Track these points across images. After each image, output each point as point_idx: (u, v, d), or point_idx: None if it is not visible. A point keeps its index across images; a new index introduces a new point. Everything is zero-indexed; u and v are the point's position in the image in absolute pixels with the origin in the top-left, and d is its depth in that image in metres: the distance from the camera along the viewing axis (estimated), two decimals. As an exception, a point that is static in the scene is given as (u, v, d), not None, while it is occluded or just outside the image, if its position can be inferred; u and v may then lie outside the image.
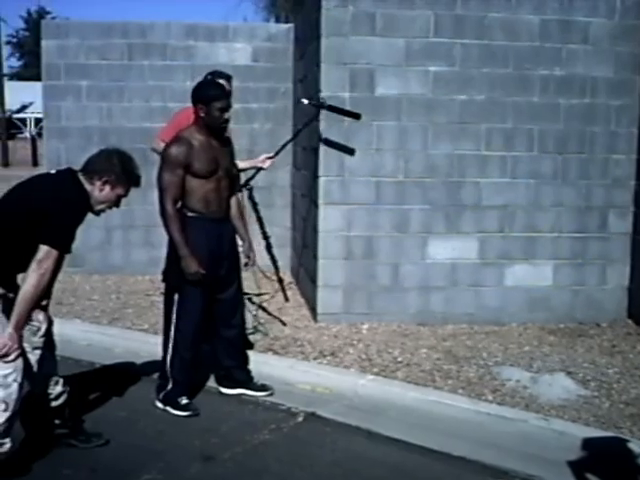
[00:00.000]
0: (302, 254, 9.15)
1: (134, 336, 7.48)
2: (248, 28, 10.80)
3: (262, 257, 7.45)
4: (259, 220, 7.43)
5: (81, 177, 4.72)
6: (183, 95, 9.51)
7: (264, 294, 8.22)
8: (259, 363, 6.58)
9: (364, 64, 7.62)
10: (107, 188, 4.73)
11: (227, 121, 5.79)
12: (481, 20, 7.73)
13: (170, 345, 5.80)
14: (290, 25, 10.50)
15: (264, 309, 8.05)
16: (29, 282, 4.44)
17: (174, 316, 5.77)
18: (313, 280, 8.08)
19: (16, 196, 4.67)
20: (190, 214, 5.75)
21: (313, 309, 8.07)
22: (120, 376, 6.33)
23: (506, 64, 7.78)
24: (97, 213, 4.86)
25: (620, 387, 6.20)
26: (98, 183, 4.70)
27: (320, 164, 7.74)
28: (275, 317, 7.98)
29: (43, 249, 4.45)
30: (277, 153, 7.41)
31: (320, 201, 7.76)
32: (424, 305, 7.90)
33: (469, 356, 6.91)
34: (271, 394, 6.04)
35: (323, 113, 7.51)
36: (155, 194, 8.61)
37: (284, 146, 7.55)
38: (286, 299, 8.10)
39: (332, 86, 7.61)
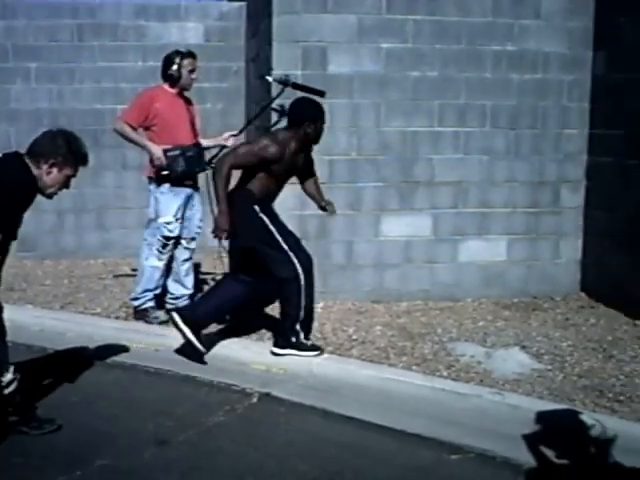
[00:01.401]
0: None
1: (87, 320, 7.37)
2: (200, 7, 10.66)
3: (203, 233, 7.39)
4: None
5: (27, 160, 4.66)
6: (135, 76, 9.54)
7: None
8: (213, 344, 6.55)
9: (316, 42, 7.57)
10: (55, 170, 4.68)
11: None
12: (433, -4, 7.70)
13: (299, 291, 6.21)
14: (242, 3, 10.38)
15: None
16: None
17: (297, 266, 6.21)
18: (268, 260, 8.01)
19: None
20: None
21: (268, 289, 8.01)
22: (73, 361, 6.24)
23: (459, 40, 7.76)
24: (49, 196, 4.80)
25: (573, 360, 6.24)
26: (45, 166, 4.66)
27: (273, 143, 7.66)
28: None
29: None
30: (241, 131, 7.35)
31: (273, 180, 7.69)
32: (378, 283, 7.90)
33: (424, 332, 6.91)
34: (320, 353, 6.29)
35: (275, 91, 7.44)
36: (106, 177, 8.51)
37: (248, 124, 7.45)
38: None
39: (284, 64, 7.53)
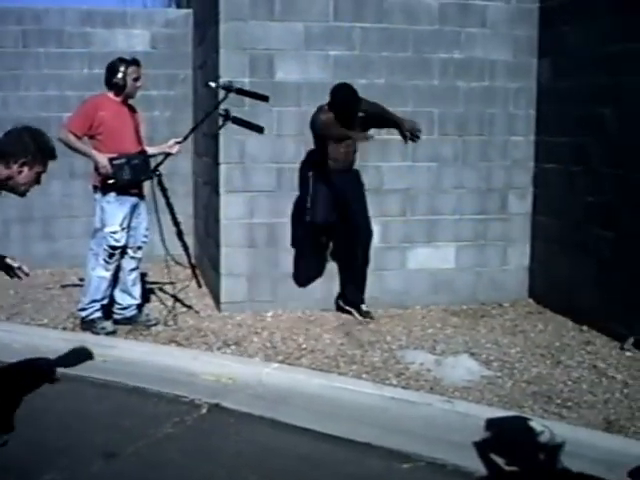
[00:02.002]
0: (205, 243, 9.05)
1: (33, 331, 7.25)
2: (146, 13, 10.62)
3: (174, 244, 7.38)
4: (169, 207, 7.29)
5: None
6: (81, 83, 9.43)
7: (172, 283, 8.15)
8: (161, 355, 6.51)
9: (263, 49, 7.54)
10: (26, 169, 4.70)
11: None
12: (380, 3, 7.71)
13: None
14: (189, 10, 10.35)
15: (178, 300, 7.94)
16: None
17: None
18: (216, 269, 7.98)
19: None
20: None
21: (216, 298, 7.97)
22: (19, 373, 6.12)
23: (406, 48, 7.79)
24: (22, 194, 4.81)
25: (522, 366, 6.26)
26: (15, 166, 4.67)
27: (220, 151, 7.64)
28: (189, 307, 7.91)
29: None
30: (185, 138, 7.34)
31: (221, 189, 7.66)
32: (328, 291, 7.87)
33: (373, 340, 6.90)
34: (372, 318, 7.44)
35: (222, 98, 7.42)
36: (53, 185, 8.40)
37: (192, 131, 7.43)
38: (199, 285, 7.98)
39: (231, 71, 7.49)
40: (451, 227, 8.04)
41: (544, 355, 6.54)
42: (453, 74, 7.92)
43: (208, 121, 8.05)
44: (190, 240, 9.98)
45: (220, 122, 7.29)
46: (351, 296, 7.67)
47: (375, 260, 7.80)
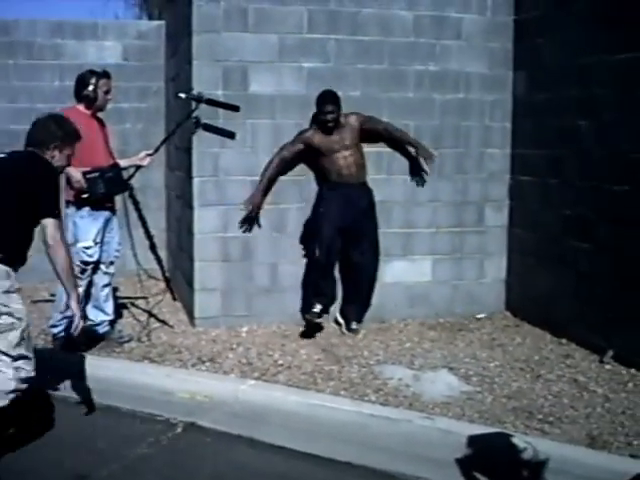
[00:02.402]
0: (178, 257, 8.94)
1: None
2: (118, 25, 10.48)
3: (146, 258, 7.30)
4: (142, 220, 7.18)
5: (35, 151, 5.15)
6: (52, 96, 9.28)
7: (144, 297, 8.04)
8: (135, 372, 6.39)
9: (237, 61, 7.45)
10: (57, 153, 5.21)
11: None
12: (355, 16, 7.66)
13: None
14: (161, 22, 10.24)
15: (152, 315, 7.80)
16: (62, 256, 5.00)
17: None
18: (190, 283, 7.87)
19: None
20: None
21: (190, 313, 7.85)
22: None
23: (381, 60, 7.73)
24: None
25: (502, 381, 6.20)
26: (49, 152, 5.17)
27: (194, 164, 7.54)
28: (163, 322, 7.78)
29: (50, 222, 4.91)
30: (156, 150, 7.23)
31: (195, 202, 7.56)
32: (305, 305, 7.76)
33: (350, 355, 6.81)
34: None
35: (197, 112, 7.33)
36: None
37: (163, 142, 7.33)
38: (174, 298, 7.86)
39: (205, 84, 7.40)
40: (427, 240, 7.99)
41: (523, 369, 6.48)
42: (428, 86, 7.87)
43: (180, 135, 7.98)
44: (163, 254, 9.88)
45: (194, 106, 7.23)
46: (347, 310, 7.69)
47: (351, 274, 7.73)
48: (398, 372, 6.35)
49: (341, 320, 7.66)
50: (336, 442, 5.18)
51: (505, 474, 4.66)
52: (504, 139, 8.10)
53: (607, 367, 6.51)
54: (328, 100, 7.27)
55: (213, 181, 7.56)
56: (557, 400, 5.78)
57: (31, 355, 4.91)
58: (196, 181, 7.55)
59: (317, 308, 7.31)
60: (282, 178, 7.63)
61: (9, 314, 4.81)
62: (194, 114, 7.18)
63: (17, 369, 4.81)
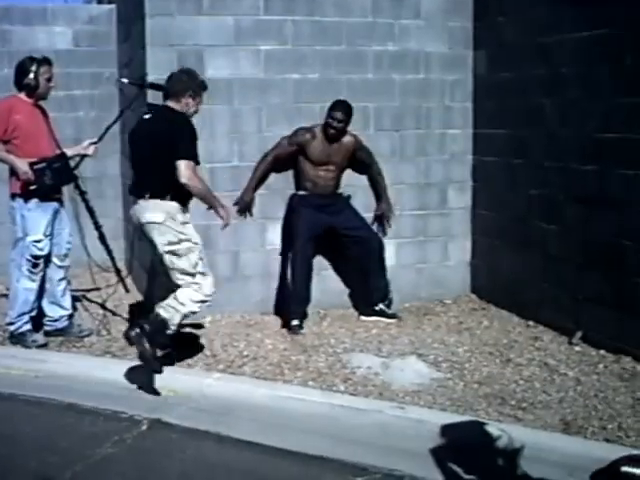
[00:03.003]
0: (136, 247, 8.72)
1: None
2: (68, 10, 10.18)
3: (96, 249, 7.09)
4: (89, 210, 6.99)
5: (169, 102, 6.07)
6: (1, 83, 8.99)
7: (98, 289, 7.86)
8: (97, 368, 6.22)
9: (192, 45, 7.27)
10: (190, 100, 6.08)
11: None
12: (312, -4, 7.51)
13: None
14: (112, 6, 9.97)
15: (104, 307, 7.60)
16: (199, 188, 5.99)
17: None
18: (149, 273, 7.69)
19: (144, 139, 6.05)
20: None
21: (151, 304, 7.67)
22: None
23: (339, 41, 7.60)
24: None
25: (472, 366, 6.12)
26: (184, 100, 6.05)
27: (150, 152, 7.34)
28: (115, 314, 7.59)
29: (182, 163, 5.79)
30: (100, 138, 7.01)
31: (152, 191, 7.36)
32: (267, 293, 7.64)
33: (317, 344, 6.70)
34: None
35: (151, 96, 7.14)
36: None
37: (107, 130, 7.07)
38: (126, 290, 7.67)
39: (159, 69, 7.16)
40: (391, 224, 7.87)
41: (493, 353, 6.42)
42: (388, 67, 7.75)
43: (135, 119, 7.76)
44: (121, 243, 9.70)
45: (137, 91, 7.07)
46: (376, 295, 7.56)
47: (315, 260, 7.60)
48: (366, 360, 6.25)
49: (379, 307, 7.52)
50: (306, 435, 5.06)
51: (481, 464, 4.56)
52: (465, 119, 8.00)
53: (577, 349, 6.46)
54: (341, 108, 7.20)
55: (170, 168, 7.36)
56: (529, 385, 5.71)
57: (209, 272, 6.01)
58: (152, 169, 7.35)
59: (296, 322, 7.13)
60: (240, 164, 7.47)
61: (188, 240, 5.93)
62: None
63: (199, 284, 5.86)
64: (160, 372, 5.77)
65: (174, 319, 5.80)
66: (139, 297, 8.27)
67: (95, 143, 6.98)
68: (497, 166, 7.69)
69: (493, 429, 4.81)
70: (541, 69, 7.00)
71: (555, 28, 6.79)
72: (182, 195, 5.94)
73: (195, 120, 7.19)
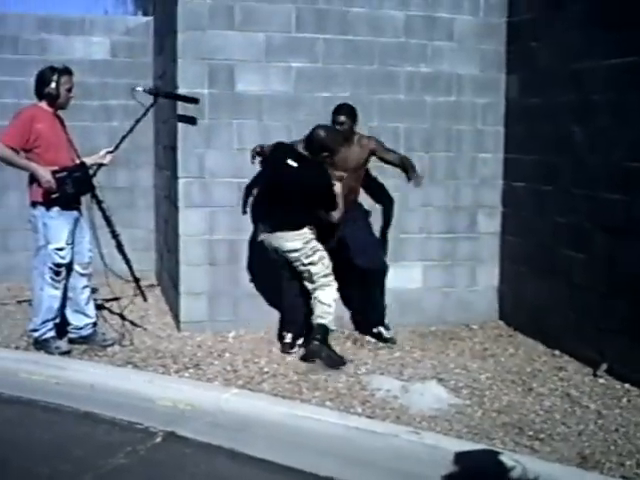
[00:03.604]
0: (165, 259, 8.77)
1: (-18, 351, 6.94)
2: (105, 21, 10.31)
3: (114, 258, 7.14)
4: (106, 219, 7.02)
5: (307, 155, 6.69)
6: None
7: (118, 298, 7.88)
8: (116, 378, 6.23)
9: (223, 59, 7.29)
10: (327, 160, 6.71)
11: None
12: (344, 15, 7.50)
13: None
14: (149, 18, 10.06)
15: (123, 317, 7.62)
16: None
17: None
18: (175, 286, 7.72)
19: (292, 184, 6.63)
20: None
21: (176, 317, 7.70)
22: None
23: (371, 60, 7.58)
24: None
25: (492, 394, 6.04)
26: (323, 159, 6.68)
27: (179, 165, 7.37)
28: (137, 325, 7.61)
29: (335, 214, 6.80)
30: (116, 147, 7.09)
31: (180, 204, 7.40)
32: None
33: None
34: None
35: (181, 108, 7.20)
36: (10, 197, 8.07)
37: (122, 139, 7.11)
38: (144, 299, 7.68)
39: (190, 82, 7.25)
40: (418, 246, 7.83)
41: (515, 382, 6.33)
42: (419, 88, 7.72)
43: (167, 132, 7.81)
44: (152, 255, 9.77)
45: (152, 100, 7.18)
46: (373, 318, 7.52)
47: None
48: (386, 383, 6.19)
49: (377, 329, 7.45)
50: (319, 455, 5.03)
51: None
52: (497, 143, 7.94)
53: (601, 381, 6.35)
54: (341, 111, 7.09)
55: (199, 182, 7.40)
56: (549, 416, 5.62)
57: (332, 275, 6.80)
58: (181, 182, 7.39)
59: (288, 338, 7.10)
60: (270, 181, 7.46)
61: (318, 249, 6.71)
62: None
63: (331, 284, 6.76)
64: (345, 363, 6.66)
65: (328, 318, 6.74)
66: (164, 307, 8.32)
67: (111, 152, 7.04)
68: (526, 192, 7.61)
69: (507, 459, 4.73)
70: (572, 95, 6.93)
71: (587, 54, 6.72)
72: (317, 221, 6.79)
73: (223, 134, 7.31)
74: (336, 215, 6.79)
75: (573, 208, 6.93)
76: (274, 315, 7.57)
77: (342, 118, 7.04)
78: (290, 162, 6.68)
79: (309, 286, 6.78)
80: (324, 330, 6.71)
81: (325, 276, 6.72)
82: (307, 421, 5.45)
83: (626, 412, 5.71)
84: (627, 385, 6.21)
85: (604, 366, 6.45)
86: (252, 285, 7.60)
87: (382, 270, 7.41)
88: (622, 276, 6.40)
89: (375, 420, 5.47)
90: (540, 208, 7.39)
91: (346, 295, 7.46)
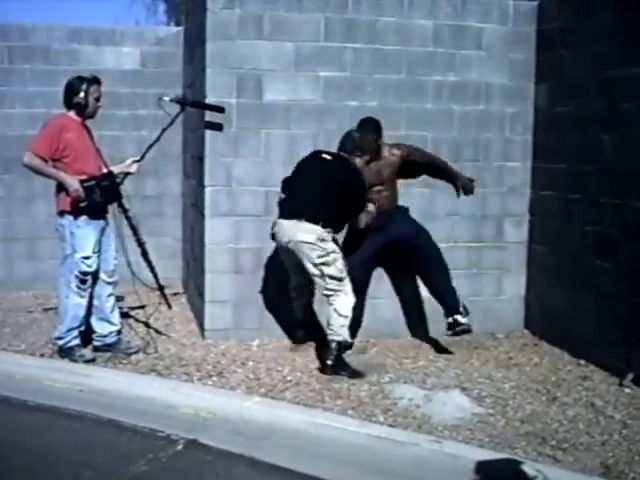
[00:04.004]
0: (191, 267, 8.80)
1: (8, 358, 6.96)
2: (136, 31, 10.37)
3: (140, 267, 7.18)
4: (132, 228, 7.06)
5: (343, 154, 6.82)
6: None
7: (144, 306, 7.87)
8: (140, 385, 6.26)
9: (251, 69, 7.31)
10: (358, 159, 6.85)
11: None
12: (373, 24, 7.50)
13: None
14: (179, 28, 10.13)
15: (148, 325, 7.64)
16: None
17: None
18: (201, 294, 7.73)
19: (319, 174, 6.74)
20: None
21: (201, 325, 7.71)
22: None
23: (399, 69, 7.57)
24: None
25: (515, 403, 6.00)
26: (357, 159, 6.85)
27: (206, 173, 7.40)
28: (161, 333, 7.64)
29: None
30: (143, 156, 7.15)
31: (207, 212, 7.42)
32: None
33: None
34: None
35: (208, 116, 7.22)
36: (38, 205, 8.10)
37: (148, 149, 7.16)
38: (169, 306, 7.71)
39: (218, 91, 7.28)
40: (444, 254, 7.73)
41: (539, 391, 6.28)
42: (447, 97, 7.70)
43: (195, 142, 7.84)
44: (178, 263, 9.80)
45: (179, 109, 7.28)
46: (450, 304, 7.30)
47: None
48: (409, 392, 6.16)
49: (453, 318, 7.22)
50: (340, 464, 5.00)
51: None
52: (525, 152, 7.90)
53: (626, 391, 6.29)
54: (360, 127, 7.09)
55: (226, 191, 7.42)
56: (572, 425, 5.56)
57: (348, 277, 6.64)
58: (208, 190, 7.41)
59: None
60: (295, 189, 7.46)
61: (333, 251, 6.54)
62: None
63: (345, 289, 6.58)
64: (364, 376, 6.55)
65: (344, 333, 6.58)
66: (189, 315, 8.33)
67: (138, 161, 7.11)
68: (554, 200, 7.56)
69: (529, 468, 4.69)
70: (601, 103, 6.88)
71: (617, 62, 6.67)
72: (336, 225, 6.74)
73: (251, 143, 7.33)
74: (364, 219, 6.83)
75: (601, 217, 6.87)
76: (299, 324, 7.57)
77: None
78: (324, 156, 6.78)
79: (324, 291, 6.63)
80: (339, 348, 6.56)
81: (338, 280, 6.53)
82: (328, 429, 5.43)
83: (651, 422, 5.64)
84: (653, 395, 6.14)
85: (630, 376, 6.38)
86: (278, 293, 7.58)
87: (440, 252, 7.31)
88: (650, 286, 6.33)
89: (396, 429, 5.45)
90: (568, 217, 7.34)
91: (404, 298, 7.72)
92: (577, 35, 7.25)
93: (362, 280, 7.25)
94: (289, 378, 6.48)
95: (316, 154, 6.88)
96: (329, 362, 6.53)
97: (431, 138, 7.67)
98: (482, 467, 4.73)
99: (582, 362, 7.00)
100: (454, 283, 7.28)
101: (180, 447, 5.33)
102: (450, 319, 7.19)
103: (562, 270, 7.46)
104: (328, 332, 6.61)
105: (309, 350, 7.22)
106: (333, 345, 6.54)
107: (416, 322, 7.83)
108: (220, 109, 7.17)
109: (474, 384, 6.41)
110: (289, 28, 7.35)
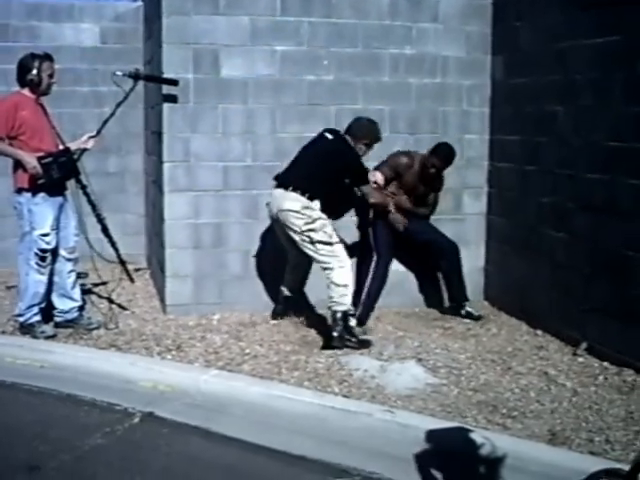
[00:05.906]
0: (153, 243, 8.81)
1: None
2: (95, 7, 10.25)
3: (101, 242, 7.21)
4: (91, 203, 7.06)
5: (348, 137, 6.88)
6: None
7: (106, 283, 7.92)
8: (99, 360, 6.28)
9: (208, 44, 7.30)
10: (363, 147, 6.89)
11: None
12: (329, -3, 7.50)
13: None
14: (139, 4, 10.04)
15: (111, 301, 7.66)
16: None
17: None
18: (162, 270, 7.75)
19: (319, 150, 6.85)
20: None
21: (162, 300, 7.74)
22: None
23: (355, 43, 7.58)
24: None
25: (470, 373, 6.06)
26: (359, 144, 6.87)
27: (164, 149, 7.40)
28: (124, 308, 7.68)
29: (369, 188, 7.11)
30: (99, 132, 7.12)
31: (165, 188, 7.43)
32: (275, 293, 7.61)
33: (319, 344, 6.70)
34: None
35: (168, 95, 7.22)
36: (1, 183, 7.98)
37: (104, 124, 7.12)
38: (131, 280, 7.73)
39: (175, 67, 7.27)
40: (403, 227, 7.83)
41: (494, 361, 6.35)
42: (404, 70, 7.72)
43: (154, 117, 7.83)
44: (142, 239, 9.80)
45: (132, 84, 7.19)
46: (460, 298, 7.71)
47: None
48: (365, 363, 6.21)
49: (465, 310, 7.66)
50: (293, 435, 5.06)
51: (462, 471, 4.53)
52: (482, 125, 7.95)
53: (580, 360, 6.36)
54: (445, 156, 7.39)
55: (184, 166, 7.42)
56: (524, 394, 5.63)
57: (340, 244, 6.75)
58: (167, 166, 7.42)
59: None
60: (253, 164, 7.50)
61: (319, 218, 6.63)
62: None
63: (339, 256, 6.64)
64: (372, 343, 6.70)
65: (347, 302, 6.64)
66: (152, 291, 8.36)
67: (94, 136, 7.07)
68: (511, 172, 7.62)
69: (477, 436, 4.74)
70: (555, 75, 6.92)
71: (570, 34, 6.70)
72: (326, 200, 6.79)
73: (209, 119, 7.33)
74: (372, 194, 7.08)
75: (556, 188, 6.93)
76: (259, 298, 7.63)
77: (440, 163, 7.37)
78: (327, 135, 6.87)
79: (320, 264, 6.71)
80: (344, 317, 6.61)
81: (328, 244, 6.61)
82: (283, 401, 5.48)
83: (601, 390, 5.72)
84: (605, 364, 6.21)
85: (584, 345, 6.46)
86: (238, 268, 7.61)
87: (458, 249, 7.64)
88: (603, 256, 6.40)
89: (350, 399, 5.50)
90: (524, 188, 7.41)
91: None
92: (530, 7, 7.29)
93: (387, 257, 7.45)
94: (247, 351, 6.52)
95: (322, 132, 6.97)
96: (335, 333, 6.57)
97: (388, 111, 7.70)
98: (432, 436, 4.76)
99: (539, 332, 7.08)
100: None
101: (137, 420, 5.39)
102: (463, 311, 7.63)
103: (519, 241, 7.53)
104: (330, 304, 6.67)
105: (270, 324, 7.28)
106: (338, 315, 6.59)
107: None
108: (174, 82, 7.17)
109: (430, 355, 6.46)
110: (245, 2, 7.34)
